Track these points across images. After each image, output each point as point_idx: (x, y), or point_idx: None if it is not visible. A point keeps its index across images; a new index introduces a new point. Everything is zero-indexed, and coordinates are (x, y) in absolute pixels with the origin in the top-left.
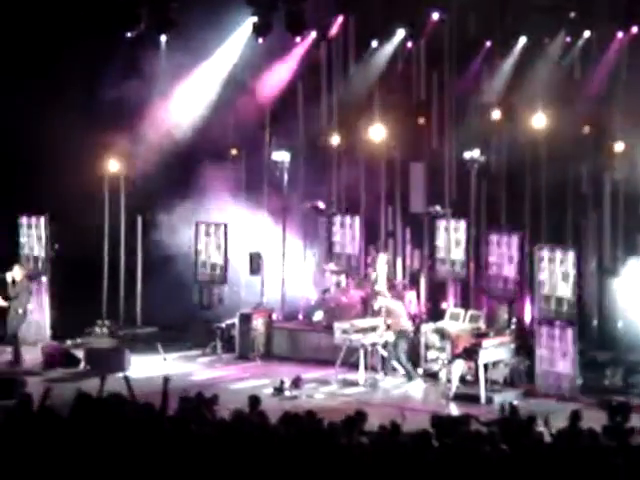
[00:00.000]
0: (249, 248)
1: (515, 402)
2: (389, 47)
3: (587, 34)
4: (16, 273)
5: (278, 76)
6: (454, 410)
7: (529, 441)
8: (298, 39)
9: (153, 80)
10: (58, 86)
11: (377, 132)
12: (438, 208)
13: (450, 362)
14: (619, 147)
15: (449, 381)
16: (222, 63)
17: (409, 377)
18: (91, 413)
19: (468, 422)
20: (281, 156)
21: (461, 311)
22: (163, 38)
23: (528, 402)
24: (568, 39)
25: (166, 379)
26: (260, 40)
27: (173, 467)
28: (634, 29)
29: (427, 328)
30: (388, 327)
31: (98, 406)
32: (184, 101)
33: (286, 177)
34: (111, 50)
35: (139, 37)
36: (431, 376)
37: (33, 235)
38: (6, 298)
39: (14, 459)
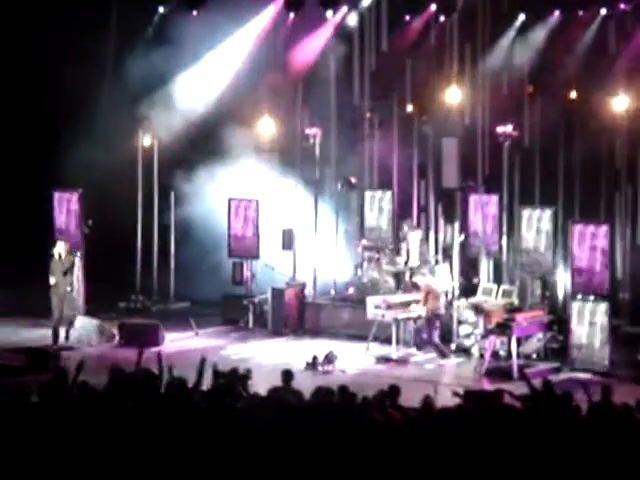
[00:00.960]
0: (282, 224)
1: (549, 377)
2: (421, 21)
3: (622, 6)
4: (61, 248)
5: (310, 50)
6: (487, 385)
7: (564, 416)
8: (330, 13)
9: (183, 54)
10: (92, 60)
11: (410, 106)
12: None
13: (483, 337)
14: None
15: (482, 356)
16: (252, 38)
17: (442, 355)
18: (125, 388)
19: (501, 397)
20: (314, 131)
21: (494, 286)
22: (194, 13)
23: (561, 377)
24: (604, 12)
25: (203, 359)
26: (292, 14)
27: (207, 442)
28: None
29: (460, 303)
30: (425, 302)
31: (132, 381)
32: (215, 75)
33: (318, 151)
34: (143, 24)
35: (170, 12)
36: (464, 351)
37: (66, 211)
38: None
39: (48, 432)
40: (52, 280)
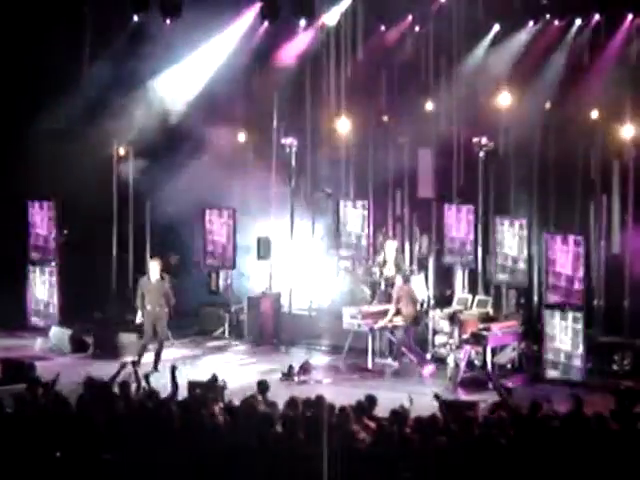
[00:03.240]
0: (257, 233)
1: (510, 384)
2: (397, 31)
3: (597, 17)
4: (155, 267)
5: (285, 61)
6: (462, 395)
7: (535, 426)
8: (304, 23)
9: (157, 62)
10: (61, 67)
11: (385, 117)
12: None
13: (458, 347)
14: (628, 132)
15: (457, 366)
16: (226, 47)
17: (421, 362)
18: (98, 399)
19: (476, 407)
20: (289, 141)
21: (469, 296)
22: (167, 22)
23: (535, 387)
24: (578, 22)
25: (173, 367)
26: (266, 24)
27: (182, 451)
28: None
29: (435, 313)
30: (398, 312)
31: (105, 392)
32: (186, 85)
33: (294, 162)
34: (117, 34)
35: (144, 21)
36: (439, 361)
37: (43, 220)
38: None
39: (23, 443)
40: (144, 301)
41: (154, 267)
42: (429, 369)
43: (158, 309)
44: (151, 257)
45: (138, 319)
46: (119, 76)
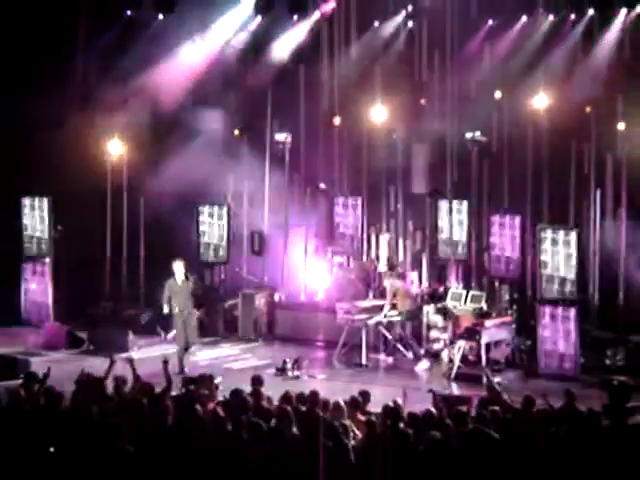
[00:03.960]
0: (251, 228)
1: (497, 379)
2: (390, 26)
3: (591, 12)
4: (181, 269)
5: (279, 55)
6: (455, 390)
7: (529, 421)
8: (296, 17)
9: (150, 57)
10: (55, 65)
11: (379, 113)
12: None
13: (452, 342)
14: (621, 126)
15: (451, 361)
16: (219, 42)
17: (417, 357)
18: (92, 394)
19: (470, 402)
20: (283, 137)
21: (463, 292)
22: (160, 17)
23: (529, 382)
24: (572, 16)
25: (165, 361)
26: (260, 18)
27: (177, 447)
28: (638, 8)
29: (429, 308)
30: (394, 307)
31: (99, 387)
32: (178, 80)
33: (287, 158)
34: (110, 28)
35: (138, 15)
36: (433, 356)
37: (36, 217)
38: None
39: (17, 438)
40: (171, 304)
41: (178, 268)
42: (423, 365)
43: (186, 312)
44: (175, 258)
45: (166, 310)
46: (111, 69)
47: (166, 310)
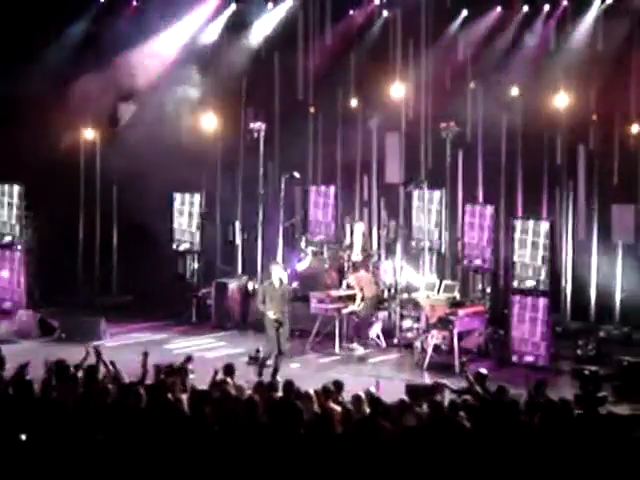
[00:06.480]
0: (225, 217)
1: (484, 371)
2: (365, 15)
3: (564, 3)
4: (280, 273)
5: (252, 43)
6: (428, 379)
7: (502, 409)
8: (271, 5)
9: (123, 45)
10: (28, 52)
11: (353, 101)
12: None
13: (425, 332)
14: (594, 117)
15: (424, 350)
16: (191, 29)
17: (371, 324)
18: (65, 385)
19: (442, 391)
20: (257, 125)
21: (436, 281)
22: (134, 3)
23: (501, 371)
24: (547, 7)
25: (145, 353)
26: (234, 6)
27: (148, 437)
28: None
29: (402, 298)
30: (363, 298)
31: (72, 378)
32: (152, 67)
33: (262, 146)
34: (81, 14)
35: (111, 2)
36: (406, 346)
37: (6, 204)
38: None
39: None
40: (267, 307)
41: (277, 271)
42: (376, 329)
43: (281, 317)
44: (272, 261)
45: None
46: (85, 55)
47: (271, 316)
